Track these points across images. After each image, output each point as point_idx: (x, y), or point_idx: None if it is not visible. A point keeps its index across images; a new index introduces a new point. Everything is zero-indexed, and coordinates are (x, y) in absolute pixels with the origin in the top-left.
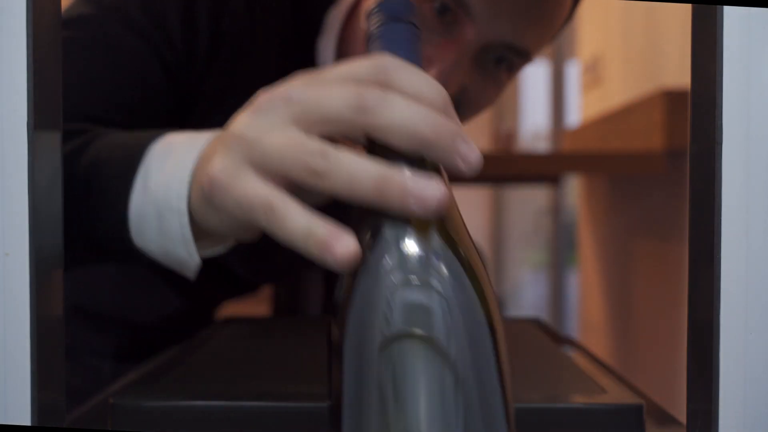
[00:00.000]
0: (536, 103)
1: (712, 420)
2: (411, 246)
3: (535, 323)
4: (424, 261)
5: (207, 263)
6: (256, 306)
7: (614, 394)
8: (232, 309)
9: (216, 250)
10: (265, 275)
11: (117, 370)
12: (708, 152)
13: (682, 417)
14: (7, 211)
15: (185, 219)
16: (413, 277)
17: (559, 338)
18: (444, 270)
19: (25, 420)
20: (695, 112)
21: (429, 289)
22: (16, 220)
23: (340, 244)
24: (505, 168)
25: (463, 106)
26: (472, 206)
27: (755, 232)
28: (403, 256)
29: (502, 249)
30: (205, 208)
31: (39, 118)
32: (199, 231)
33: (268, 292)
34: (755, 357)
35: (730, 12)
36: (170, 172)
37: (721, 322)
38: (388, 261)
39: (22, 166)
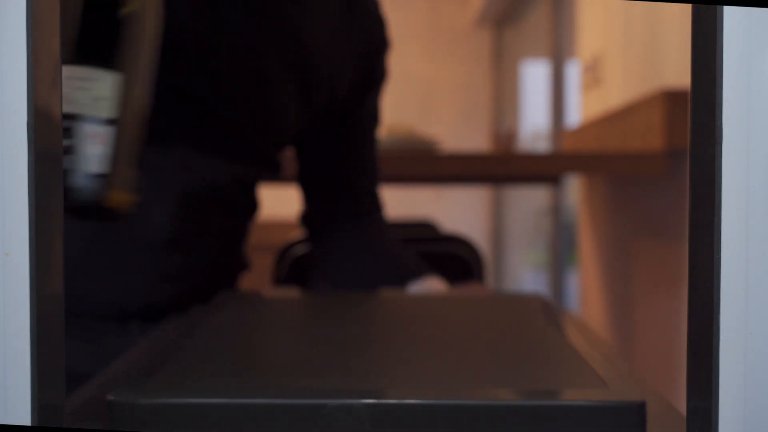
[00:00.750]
0: (536, 103)
1: (711, 419)
2: None
3: (537, 299)
4: None
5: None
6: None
7: (615, 388)
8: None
9: None
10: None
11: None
12: (708, 152)
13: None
14: (7, 211)
15: None
16: None
17: (559, 315)
18: None
19: (25, 420)
20: (695, 112)
21: None
22: (16, 220)
23: None
24: (505, 168)
25: None
26: (472, 206)
27: (755, 232)
28: None
29: (502, 249)
30: None
31: (39, 118)
32: None
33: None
34: (755, 357)
35: (730, 12)
36: None
37: (721, 322)
38: None
39: (22, 166)
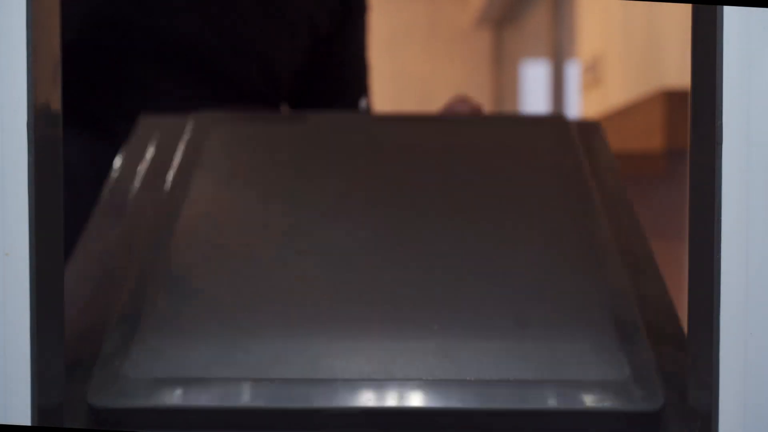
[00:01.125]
0: (536, 103)
1: (711, 420)
2: None
3: (556, 123)
4: None
5: None
6: None
7: (632, 363)
8: None
9: None
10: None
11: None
12: (708, 152)
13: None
14: (7, 211)
15: None
16: None
17: (584, 144)
18: None
19: (25, 420)
20: (695, 112)
21: None
22: (16, 220)
23: None
24: None
25: None
26: None
27: (755, 232)
28: None
29: None
30: None
31: (39, 118)
32: None
33: None
34: (755, 357)
35: (730, 12)
36: None
37: (721, 322)
38: None
39: (22, 166)
